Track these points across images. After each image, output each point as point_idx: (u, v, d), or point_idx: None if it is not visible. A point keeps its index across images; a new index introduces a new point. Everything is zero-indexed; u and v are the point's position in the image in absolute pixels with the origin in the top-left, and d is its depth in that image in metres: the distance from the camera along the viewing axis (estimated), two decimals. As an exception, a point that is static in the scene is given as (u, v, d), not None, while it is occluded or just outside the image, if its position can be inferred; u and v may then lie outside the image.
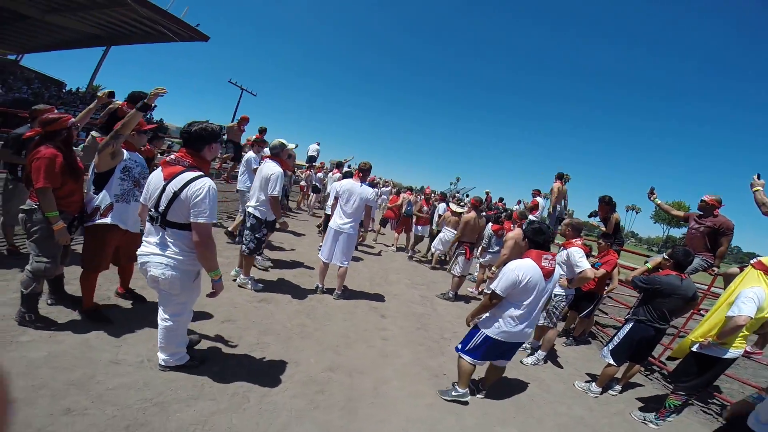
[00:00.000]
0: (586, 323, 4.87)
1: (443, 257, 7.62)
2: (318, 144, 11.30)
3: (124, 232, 2.77)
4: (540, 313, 2.76)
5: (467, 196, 10.58)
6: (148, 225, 2.22)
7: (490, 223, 6.53)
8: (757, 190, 3.51)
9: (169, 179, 2.10)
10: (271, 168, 3.83)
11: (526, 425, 2.77)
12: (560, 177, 7.67)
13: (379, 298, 4.86)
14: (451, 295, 5.55)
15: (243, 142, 7.68)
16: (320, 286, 4.48)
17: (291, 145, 4.17)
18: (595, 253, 4.88)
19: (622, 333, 3.44)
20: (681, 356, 3.29)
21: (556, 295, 3.80)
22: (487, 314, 2.74)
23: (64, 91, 24.82)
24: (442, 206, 8.42)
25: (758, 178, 3.59)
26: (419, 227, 8.06)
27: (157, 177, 2.17)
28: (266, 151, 4.95)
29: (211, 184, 2.12)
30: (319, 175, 10.75)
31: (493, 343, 2.68)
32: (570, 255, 3.62)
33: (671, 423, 3.22)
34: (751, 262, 3.03)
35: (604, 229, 5.13)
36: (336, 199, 4.33)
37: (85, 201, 2.70)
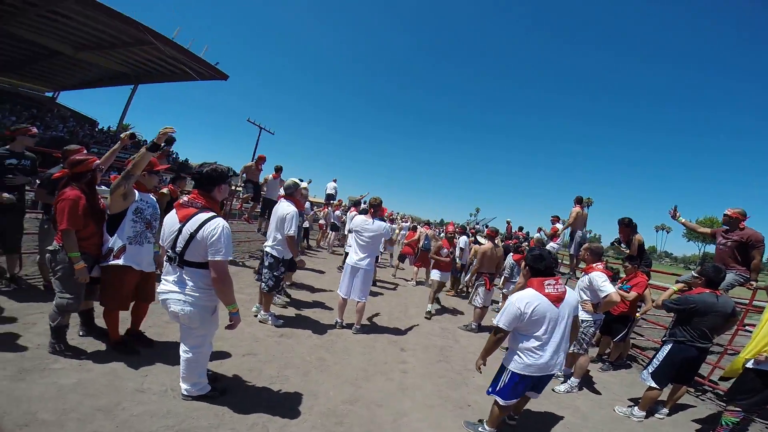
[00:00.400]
0: (622, 347, 4.70)
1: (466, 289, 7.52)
2: (335, 181, 11.60)
3: (139, 273, 2.83)
4: (565, 340, 2.57)
5: (486, 227, 10.48)
6: (166, 264, 2.32)
7: (511, 253, 6.46)
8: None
9: (184, 221, 2.23)
10: (285, 208, 3.96)
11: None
12: (579, 201, 7.63)
13: (398, 331, 4.78)
14: (474, 327, 5.40)
15: (261, 180, 8.02)
16: (339, 321, 4.48)
17: (304, 183, 4.40)
18: (622, 275, 4.77)
19: (661, 354, 3.32)
20: (734, 375, 3.09)
21: (583, 321, 3.66)
22: (509, 351, 2.61)
23: (96, 129, 26.62)
24: (463, 239, 8.39)
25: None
26: (438, 272, 6.06)
27: (172, 219, 2.30)
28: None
29: (225, 223, 2.23)
30: (337, 212, 10.91)
31: (521, 379, 2.51)
32: (592, 280, 3.52)
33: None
34: None
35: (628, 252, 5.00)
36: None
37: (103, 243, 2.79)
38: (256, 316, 4.19)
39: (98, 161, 2.87)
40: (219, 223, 2.20)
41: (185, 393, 2.43)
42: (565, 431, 2.94)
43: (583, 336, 3.69)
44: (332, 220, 10.78)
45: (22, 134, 3.55)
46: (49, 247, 2.68)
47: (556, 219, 8.60)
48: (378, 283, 7.42)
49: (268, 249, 4.13)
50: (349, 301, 4.45)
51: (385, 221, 4.74)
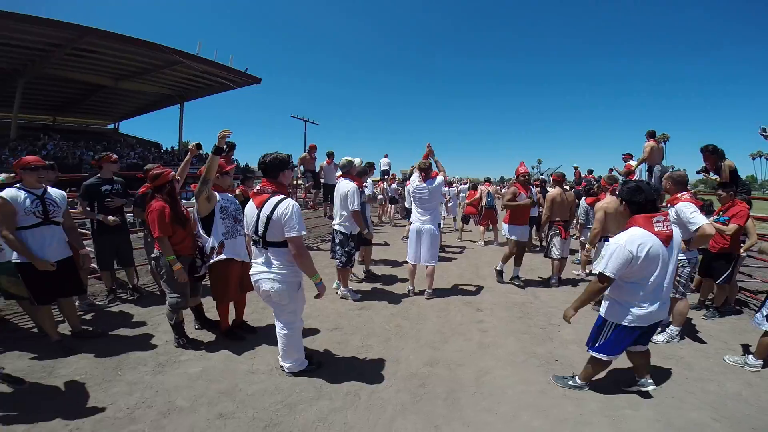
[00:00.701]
0: (728, 290, 4.09)
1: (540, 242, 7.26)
2: (387, 156, 11.66)
3: (240, 264, 3.18)
4: (671, 284, 2.37)
5: (549, 177, 9.79)
6: (254, 248, 2.60)
7: (584, 197, 5.98)
8: None
9: (260, 206, 2.47)
10: (345, 186, 4.20)
11: (663, 407, 2.44)
12: (652, 135, 6.80)
13: (472, 292, 4.80)
14: (554, 281, 5.19)
15: (317, 168, 8.34)
16: (411, 288, 4.63)
17: (357, 160, 4.47)
18: (718, 206, 4.15)
19: None
20: None
21: (677, 261, 3.28)
22: (610, 302, 2.42)
23: (162, 151, 29.56)
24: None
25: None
26: (516, 228, 5.11)
27: (251, 207, 2.56)
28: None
29: (294, 202, 2.45)
30: (393, 186, 11.01)
31: (626, 332, 2.36)
32: (679, 212, 3.10)
33: None
34: None
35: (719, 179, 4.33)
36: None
37: (203, 245, 3.18)
38: (337, 293, 4.50)
39: (174, 173, 3.24)
40: (290, 203, 2.41)
41: (287, 371, 2.74)
42: (668, 382, 2.74)
43: (679, 278, 3.32)
44: (390, 194, 10.92)
45: (106, 162, 4.07)
46: (152, 255, 3.17)
47: (628, 156, 7.82)
48: (446, 249, 7.42)
49: (336, 227, 4.38)
50: (419, 267, 4.55)
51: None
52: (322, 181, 8.28)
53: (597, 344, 2.47)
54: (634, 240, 2.18)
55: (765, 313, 2.85)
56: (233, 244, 3.14)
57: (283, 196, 2.49)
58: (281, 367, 2.78)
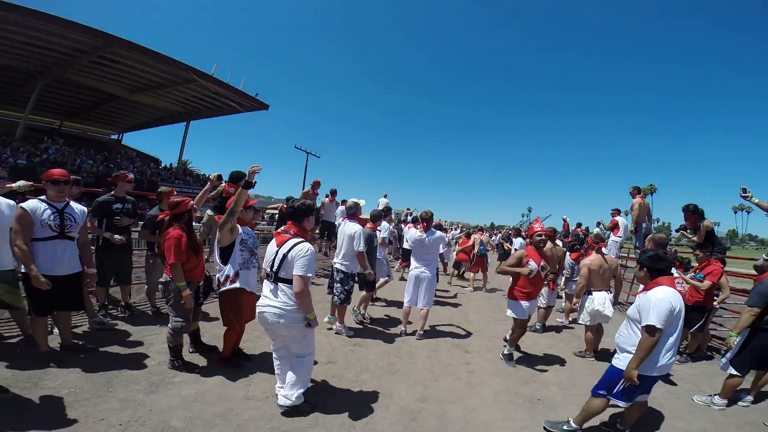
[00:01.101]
0: (700, 338, 4.44)
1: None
2: (385, 196, 12.00)
3: (249, 294, 3.28)
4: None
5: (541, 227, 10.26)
6: (265, 282, 2.72)
7: (568, 253, 6.34)
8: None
9: (280, 245, 2.64)
10: (352, 227, 4.40)
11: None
12: (638, 191, 7.25)
13: (460, 335, 4.94)
14: (538, 327, 5.41)
15: (318, 204, 8.60)
16: (404, 329, 4.76)
17: (362, 202, 4.77)
18: (695, 264, 4.55)
19: (739, 341, 3.17)
20: None
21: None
22: (623, 352, 2.56)
23: (160, 167, 29.13)
24: (518, 241, 8.34)
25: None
26: (523, 303, 4.02)
27: (272, 245, 2.73)
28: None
29: (311, 247, 2.64)
30: (390, 227, 11.16)
31: (647, 380, 2.50)
32: None
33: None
34: None
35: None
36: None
37: (217, 272, 3.26)
38: (330, 328, 4.55)
39: (193, 202, 3.37)
40: (306, 246, 2.60)
41: (285, 399, 2.67)
42: (644, 422, 2.89)
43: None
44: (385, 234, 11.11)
45: (122, 180, 4.20)
46: (161, 279, 3.21)
47: (616, 212, 8.26)
48: (437, 293, 7.57)
49: (337, 266, 4.51)
50: (414, 309, 4.74)
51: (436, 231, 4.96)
52: (321, 217, 8.50)
53: (615, 391, 2.54)
54: (670, 296, 2.40)
55: (729, 357, 3.15)
56: (247, 275, 3.25)
57: (302, 239, 2.67)
58: (278, 401, 2.73)
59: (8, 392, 2.54)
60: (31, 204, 2.92)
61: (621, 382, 2.50)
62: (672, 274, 2.57)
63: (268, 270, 2.68)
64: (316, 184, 8.35)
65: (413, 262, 4.79)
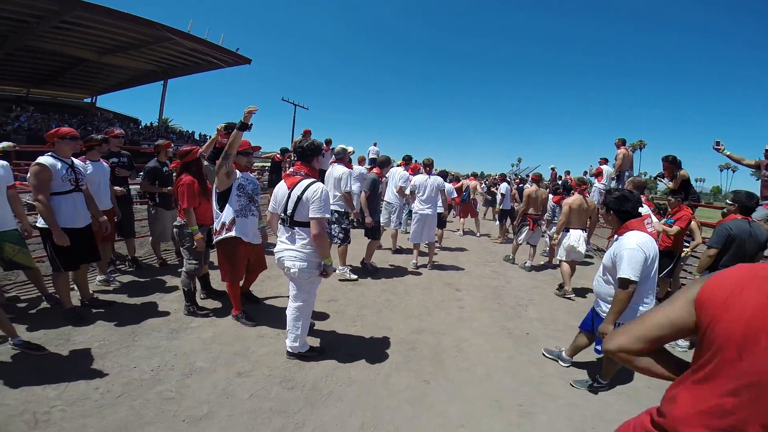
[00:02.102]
0: (670, 283, 4.74)
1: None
2: (375, 145, 11.84)
3: (247, 244, 3.21)
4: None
5: (527, 176, 10.41)
6: (280, 227, 2.78)
7: (551, 195, 6.59)
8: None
9: (292, 187, 2.62)
10: (340, 170, 4.50)
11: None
12: (623, 143, 7.50)
13: (451, 275, 5.30)
14: (511, 257, 6.27)
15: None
16: (415, 262, 5.44)
17: (350, 149, 4.84)
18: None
19: None
20: None
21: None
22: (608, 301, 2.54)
23: (140, 126, 28.69)
24: (504, 186, 8.53)
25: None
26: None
27: (282, 187, 2.71)
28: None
29: (324, 187, 2.61)
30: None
31: None
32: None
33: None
34: None
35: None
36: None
37: (214, 220, 3.23)
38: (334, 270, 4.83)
39: (201, 149, 3.45)
40: (319, 187, 2.59)
41: (290, 350, 2.82)
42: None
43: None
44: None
45: (113, 136, 4.27)
46: (176, 223, 3.41)
47: (604, 161, 8.55)
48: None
49: (331, 207, 4.56)
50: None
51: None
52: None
53: (597, 338, 2.66)
54: (643, 242, 2.33)
55: None
56: (244, 224, 3.17)
57: (314, 179, 2.66)
58: (287, 348, 2.87)
59: (45, 350, 2.70)
60: (48, 160, 2.97)
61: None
62: (640, 215, 2.50)
63: (282, 214, 2.70)
64: (306, 134, 8.20)
65: (417, 203, 5.28)
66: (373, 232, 5.06)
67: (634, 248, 2.30)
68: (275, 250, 2.78)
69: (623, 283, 2.30)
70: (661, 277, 4.56)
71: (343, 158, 4.72)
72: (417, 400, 2.49)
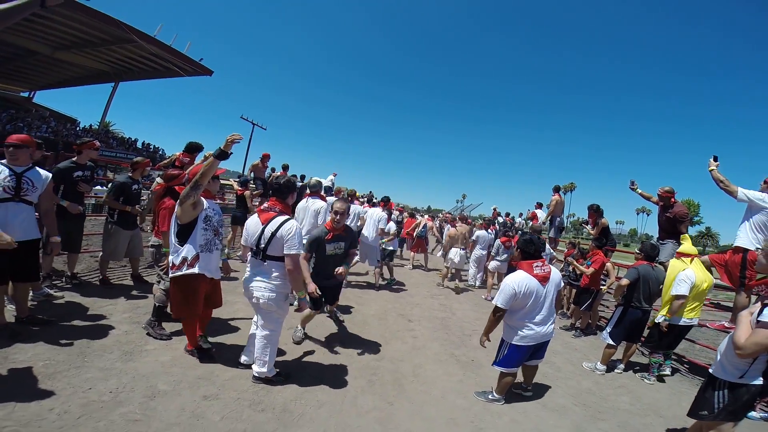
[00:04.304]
0: (590, 316, 5.56)
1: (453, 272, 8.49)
2: (335, 175, 12.14)
3: (209, 280, 2.95)
4: (551, 312, 3.04)
5: (460, 213, 11.54)
6: (251, 259, 2.87)
7: (500, 237, 7.39)
8: (713, 170, 4.04)
9: (266, 223, 2.74)
10: (317, 203, 4.70)
11: (540, 394, 3.44)
12: (557, 189, 8.44)
13: (404, 308, 5.63)
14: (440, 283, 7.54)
15: (267, 176, 8.54)
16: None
17: (326, 182, 5.09)
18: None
19: (615, 316, 4.15)
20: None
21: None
22: (505, 325, 3.07)
23: (78, 128, 26.20)
24: (447, 226, 9.36)
25: (715, 159, 4.07)
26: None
27: (254, 221, 2.82)
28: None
29: (297, 224, 2.77)
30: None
31: (518, 349, 2.99)
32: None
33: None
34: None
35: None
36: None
37: (171, 253, 2.86)
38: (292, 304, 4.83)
39: (185, 173, 3.36)
40: (293, 225, 2.72)
41: (257, 375, 2.85)
42: (544, 378, 3.76)
43: None
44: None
45: (89, 148, 4.03)
46: (153, 242, 3.45)
47: (539, 206, 9.54)
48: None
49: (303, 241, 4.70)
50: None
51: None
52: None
53: (498, 359, 3.13)
54: (516, 280, 2.88)
55: (608, 330, 4.18)
56: (208, 259, 2.86)
57: (288, 216, 2.79)
58: (254, 373, 2.89)
59: None
60: None
61: (501, 350, 3.11)
62: (539, 257, 3.02)
63: (254, 247, 2.79)
64: (265, 157, 8.25)
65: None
66: (315, 303, 3.35)
67: (508, 284, 2.89)
68: (245, 279, 2.86)
69: (494, 309, 2.98)
70: (582, 310, 5.38)
71: (318, 191, 4.89)
72: (384, 419, 2.70)
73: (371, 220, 6.18)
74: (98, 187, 8.27)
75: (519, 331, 2.97)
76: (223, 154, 2.62)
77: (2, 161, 2.90)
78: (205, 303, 3.05)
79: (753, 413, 3.41)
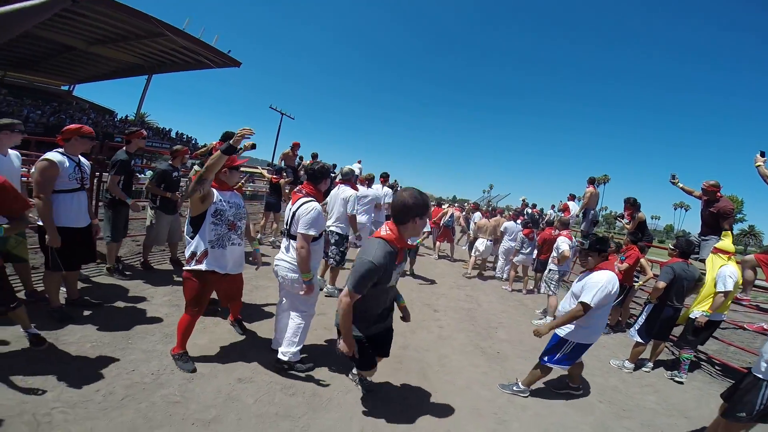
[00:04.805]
0: (620, 312, 5.38)
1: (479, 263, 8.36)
2: (360, 162, 12.21)
3: (223, 276, 2.77)
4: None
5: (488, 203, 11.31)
6: (283, 239, 2.97)
7: (522, 229, 7.21)
8: (759, 165, 3.86)
9: (293, 204, 2.86)
10: (347, 192, 4.63)
11: (567, 391, 3.37)
12: (592, 182, 8.00)
13: (429, 297, 5.65)
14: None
15: (297, 164, 8.68)
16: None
17: (356, 167, 5.12)
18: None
19: (644, 314, 4.04)
20: (682, 323, 4.09)
21: (550, 270, 5.08)
22: (575, 326, 2.93)
23: (116, 119, 27.67)
24: (477, 215, 9.11)
25: (762, 155, 3.91)
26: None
27: (289, 206, 2.93)
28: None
29: (318, 206, 2.77)
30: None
31: (582, 348, 2.99)
32: (559, 241, 5.08)
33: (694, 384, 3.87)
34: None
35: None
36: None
37: (186, 245, 2.80)
38: (321, 289, 4.85)
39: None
40: (314, 205, 2.75)
41: (283, 358, 2.87)
42: (566, 379, 3.61)
43: (549, 281, 5.21)
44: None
45: (137, 137, 4.12)
46: None
47: (572, 197, 8.99)
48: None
49: (332, 228, 4.67)
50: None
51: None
52: (301, 177, 8.61)
53: (555, 358, 3.02)
54: (611, 281, 2.85)
55: (636, 328, 4.05)
56: (220, 255, 2.71)
57: (311, 198, 2.84)
58: (279, 355, 2.92)
59: (44, 342, 2.67)
60: (57, 156, 2.96)
61: (562, 349, 3.00)
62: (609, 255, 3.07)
63: (285, 228, 2.91)
64: (295, 146, 8.37)
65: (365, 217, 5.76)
66: (364, 361, 3.27)
67: (605, 284, 2.83)
68: (276, 257, 2.96)
69: (583, 306, 2.83)
70: (612, 306, 5.21)
71: (351, 179, 4.83)
72: (408, 407, 2.77)
73: (383, 201, 6.34)
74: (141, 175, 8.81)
75: (593, 330, 2.96)
76: (230, 149, 2.52)
77: (58, 150, 3.04)
78: (222, 297, 3.17)
79: None
